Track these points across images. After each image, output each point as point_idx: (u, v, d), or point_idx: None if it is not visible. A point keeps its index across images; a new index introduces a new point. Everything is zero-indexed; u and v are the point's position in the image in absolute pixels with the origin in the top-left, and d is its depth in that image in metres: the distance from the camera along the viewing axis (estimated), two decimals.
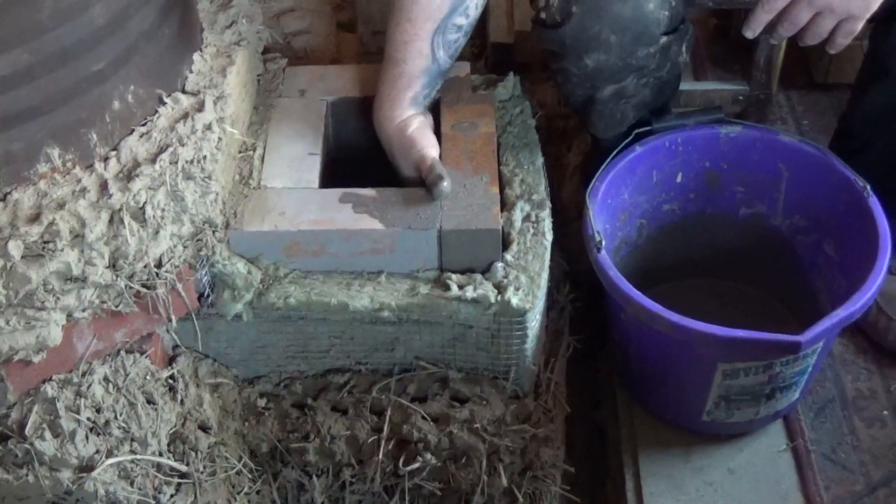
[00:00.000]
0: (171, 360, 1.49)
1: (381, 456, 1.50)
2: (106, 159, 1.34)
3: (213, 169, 1.39)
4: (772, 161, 1.64)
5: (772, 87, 1.99)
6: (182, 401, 1.46)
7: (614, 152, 1.59)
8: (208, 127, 1.41)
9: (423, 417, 1.50)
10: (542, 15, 1.47)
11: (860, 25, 1.46)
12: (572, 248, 1.76)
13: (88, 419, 1.35)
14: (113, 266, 1.32)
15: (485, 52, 2.34)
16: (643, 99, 1.57)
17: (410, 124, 1.51)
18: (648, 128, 1.61)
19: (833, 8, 1.43)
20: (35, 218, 1.26)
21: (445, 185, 1.44)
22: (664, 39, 1.50)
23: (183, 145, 1.37)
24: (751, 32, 1.51)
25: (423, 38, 1.47)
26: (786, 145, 1.62)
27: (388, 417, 1.51)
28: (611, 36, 1.44)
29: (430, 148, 1.50)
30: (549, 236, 1.49)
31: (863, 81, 1.70)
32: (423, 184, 1.49)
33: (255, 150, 1.55)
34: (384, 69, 1.52)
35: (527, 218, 1.50)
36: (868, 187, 1.53)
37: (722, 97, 1.98)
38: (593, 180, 1.55)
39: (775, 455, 1.59)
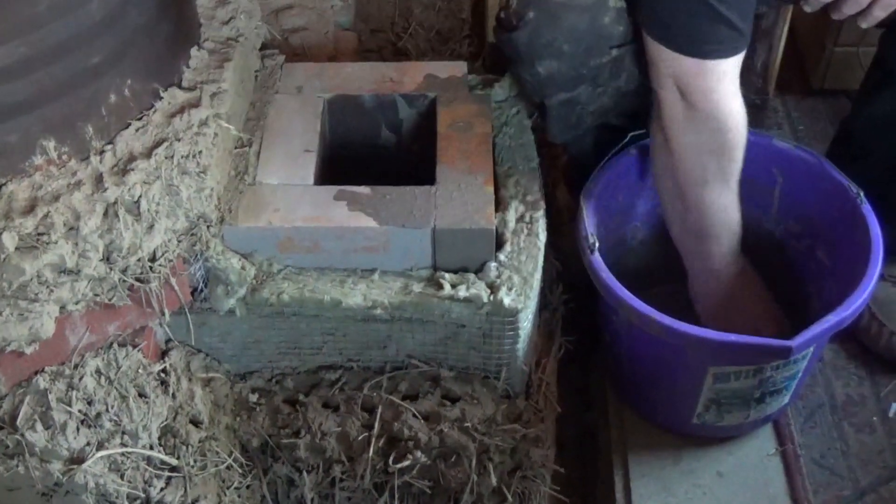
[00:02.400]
0: (163, 354, 1.50)
1: (371, 453, 1.50)
2: (101, 153, 1.34)
3: (209, 164, 1.40)
4: (766, 166, 1.64)
5: (768, 92, 1.99)
6: (174, 395, 1.46)
7: (609, 154, 1.59)
8: (204, 122, 1.41)
9: (414, 415, 1.50)
10: (503, 14, 1.47)
11: None
12: (567, 250, 1.76)
13: (80, 411, 1.35)
14: (107, 259, 1.32)
15: (483, 51, 2.34)
16: (602, 106, 1.57)
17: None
18: (643, 131, 1.61)
19: None
20: (30, 210, 1.26)
21: None
22: (615, 52, 1.50)
23: (179, 140, 1.37)
24: (810, 7, 1.49)
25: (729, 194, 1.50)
26: (780, 150, 1.63)
27: (379, 415, 1.51)
28: (564, 45, 1.45)
29: None
30: (543, 237, 1.50)
31: (868, 87, 1.69)
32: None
33: (250, 145, 1.55)
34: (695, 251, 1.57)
35: (521, 218, 1.51)
36: (861, 194, 1.53)
37: None
38: (588, 182, 1.56)
39: (764, 459, 1.59)
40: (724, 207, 1.49)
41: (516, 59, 1.49)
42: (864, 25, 1.48)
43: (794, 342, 1.37)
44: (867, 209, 1.52)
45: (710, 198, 1.48)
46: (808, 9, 1.50)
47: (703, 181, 1.47)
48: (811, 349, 1.46)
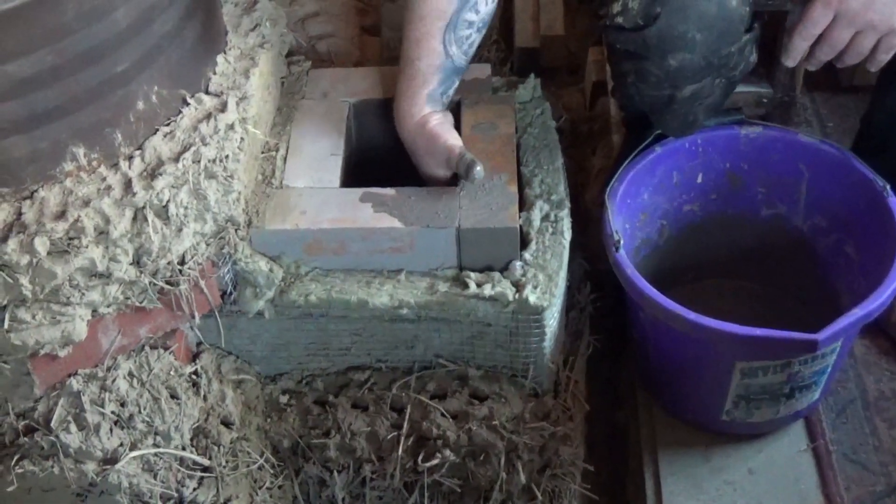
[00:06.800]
0: (194, 357, 1.52)
1: (400, 452, 1.51)
2: (130, 158, 1.37)
3: (236, 168, 1.42)
4: (792, 161, 1.64)
5: (796, 89, 1.98)
6: (205, 396, 1.48)
7: (633, 153, 1.60)
8: (231, 127, 1.43)
9: (443, 414, 1.52)
10: (619, 20, 1.45)
11: None
12: (596, 249, 1.76)
13: (113, 413, 1.38)
14: (137, 263, 1.35)
15: (511, 56, 2.35)
16: (714, 101, 1.56)
17: (430, 120, 1.53)
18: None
19: (874, 24, 1.42)
20: (61, 215, 1.29)
21: (479, 168, 1.45)
22: (746, 37, 1.48)
23: (206, 145, 1.39)
24: (791, 60, 1.51)
25: (435, 36, 1.49)
26: (806, 146, 1.63)
27: (407, 414, 1.53)
28: (696, 34, 1.43)
29: (455, 139, 1.52)
30: (568, 235, 1.50)
31: (884, 82, 1.69)
32: (450, 182, 1.52)
33: (277, 150, 1.57)
34: (401, 69, 1.54)
35: (546, 217, 1.52)
36: (888, 187, 1.53)
37: (746, 100, 1.97)
38: (612, 180, 1.56)
39: (796, 455, 1.59)
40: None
41: (644, 55, 1.47)
42: (872, 69, 1.51)
43: (820, 336, 1.37)
44: (893, 202, 1.52)
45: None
46: (789, 63, 1.54)
47: None
48: (839, 343, 1.46)
